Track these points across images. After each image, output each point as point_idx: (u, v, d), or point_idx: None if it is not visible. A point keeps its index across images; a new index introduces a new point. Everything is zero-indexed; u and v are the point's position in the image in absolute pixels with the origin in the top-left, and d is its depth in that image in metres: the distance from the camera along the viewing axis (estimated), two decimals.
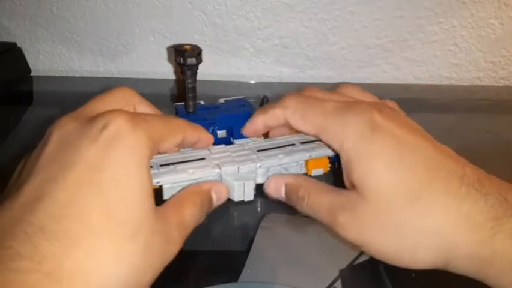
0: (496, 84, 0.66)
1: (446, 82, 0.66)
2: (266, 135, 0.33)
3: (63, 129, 0.22)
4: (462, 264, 0.23)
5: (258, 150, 0.31)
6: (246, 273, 0.33)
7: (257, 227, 0.37)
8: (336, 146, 0.26)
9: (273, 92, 0.63)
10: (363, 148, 0.24)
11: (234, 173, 0.29)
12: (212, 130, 0.33)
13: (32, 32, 0.63)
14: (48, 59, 0.65)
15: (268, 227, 0.38)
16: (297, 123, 0.28)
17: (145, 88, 0.63)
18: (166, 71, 0.65)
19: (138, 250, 0.21)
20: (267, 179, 0.30)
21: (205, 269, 0.34)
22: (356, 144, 0.25)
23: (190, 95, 0.32)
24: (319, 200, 0.27)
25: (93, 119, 0.22)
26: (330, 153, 0.31)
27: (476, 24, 0.62)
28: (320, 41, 0.62)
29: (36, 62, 0.65)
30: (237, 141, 0.32)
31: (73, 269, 0.19)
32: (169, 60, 0.64)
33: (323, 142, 0.29)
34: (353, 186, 0.25)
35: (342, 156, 0.26)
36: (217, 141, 0.32)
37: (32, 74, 0.65)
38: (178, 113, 0.33)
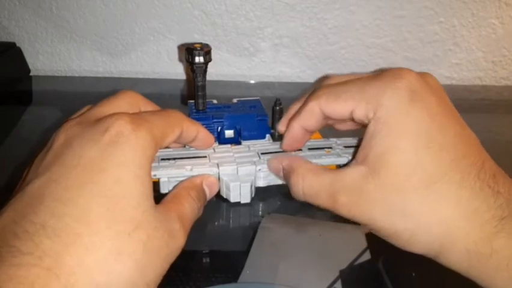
0: (496, 84, 0.66)
1: (446, 82, 0.66)
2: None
3: (67, 132, 0.23)
4: (455, 258, 0.23)
5: (262, 153, 0.31)
6: (246, 273, 0.33)
7: (257, 227, 0.37)
8: (369, 116, 0.25)
9: (273, 92, 0.63)
10: (396, 119, 0.24)
11: (232, 173, 0.29)
12: (220, 129, 0.33)
13: (32, 32, 0.63)
14: (47, 59, 0.65)
15: (268, 227, 0.37)
16: (332, 106, 0.26)
17: (144, 88, 0.63)
18: (165, 70, 0.65)
19: (140, 246, 0.21)
20: (268, 183, 0.30)
21: (205, 269, 0.34)
22: (388, 114, 0.24)
23: (200, 93, 0.33)
24: (316, 184, 0.26)
25: (96, 122, 0.23)
26: (340, 161, 0.30)
27: (477, 23, 0.62)
28: (320, 40, 0.62)
29: (36, 62, 0.65)
30: (244, 142, 0.32)
31: (73, 264, 0.19)
32: (169, 59, 0.64)
33: (357, 121, 0.26)
34: (365, 161, 0.24)
35: (370, 126, 0.25)
36: (225, 141, 0.32)
37: (31, 73, 0.65)
38: (189, 110, 0.34)
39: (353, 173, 0.25)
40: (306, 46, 0.63)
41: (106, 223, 0.20)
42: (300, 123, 0.28)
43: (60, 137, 0.23)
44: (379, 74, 0.26)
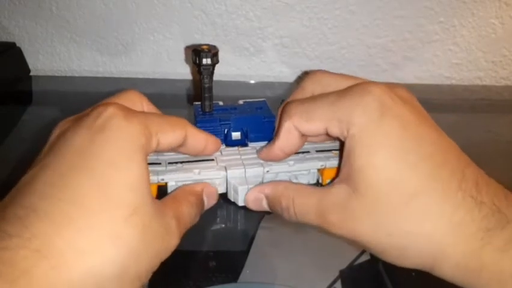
0: (496, 84, 0.66)
1: (446, 82, 0.66)
2: None
3: (62, 127, 0.23)
4: (449, 272, 0.23)
5: None
6: (246, 273, 0.33)
7: (257, 227, 0.37)
8: (344, 134, 0.24)
9: (273, 92, 0.63)
10: (369, 135, 0.23)
11: (240, 176, 0.29)
12: (227, 131, 0.32)
13: (32, 32, 0.63)
14: (47, 59, 0.65)
15: (268, 227, 0.37)
16: (306, 125, 0.26)
17: (144, 88, 0.63)
18: (165, 70, 0.65)
19: (135, 233, 0.20)
20: None
21: (205, 269, 0.34)
22: (361, 131, 0.23)
23: (206, 95, 0.32)
24: (305, 205, 0.25)
25: (88, 112, 0.23)
26: None
27: (477, 23, 0.62)
28: (320, 40, 0.62)
29: (36, 62, 0.65)
30: (251, 144, 0.32)
31: (63, 246, 0.19)
32: (169, 59, 0.64)
33: (333, 137, 0.26)
34: (346, 179, 0.24)
35: (346, 144, 0.24)
36: (232, 143, 0.32)
37: (31, 73, 0.65)
38: (195, 113, 0.33)
39: (338, 191, 0.24)
40: (306, 46, 0.63)
41: (100, 207, 0.20)
42: (279, 148, 0.27)
43: (56, 132, 0.23)
44: (349, 89, 0.25)
